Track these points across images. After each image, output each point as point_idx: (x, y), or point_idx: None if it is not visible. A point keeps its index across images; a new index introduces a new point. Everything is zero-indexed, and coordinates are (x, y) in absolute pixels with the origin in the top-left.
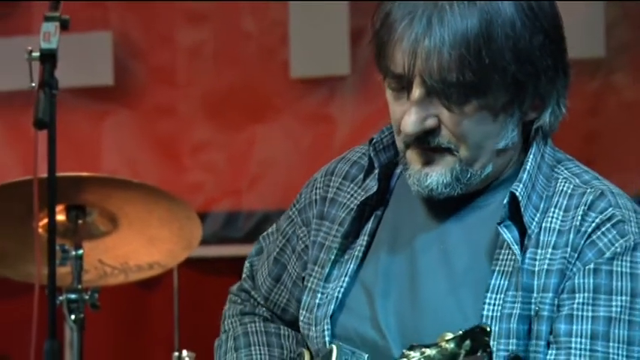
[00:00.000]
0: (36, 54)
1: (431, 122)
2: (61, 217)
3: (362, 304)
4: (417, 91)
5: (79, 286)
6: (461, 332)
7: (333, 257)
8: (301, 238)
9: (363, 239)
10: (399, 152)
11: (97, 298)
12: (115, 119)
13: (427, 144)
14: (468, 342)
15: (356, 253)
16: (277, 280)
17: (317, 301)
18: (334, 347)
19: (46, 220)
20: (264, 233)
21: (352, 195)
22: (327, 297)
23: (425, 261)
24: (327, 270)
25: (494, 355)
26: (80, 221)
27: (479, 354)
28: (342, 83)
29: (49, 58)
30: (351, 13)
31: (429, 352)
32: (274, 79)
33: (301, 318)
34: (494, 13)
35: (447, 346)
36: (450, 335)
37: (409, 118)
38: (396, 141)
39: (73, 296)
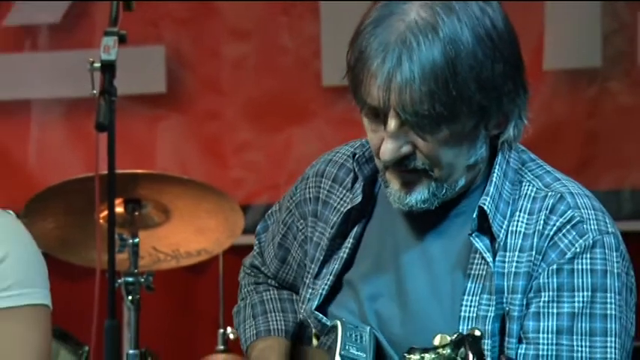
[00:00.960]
0: (97, 65)
1: (406, 149)
2: (119, 209)
3: (351, 303)
4: (392, 123)
5: (136, 271)
6: (454, 336)
7: (322, 258)
8: (300, 230)
9: (349, 242)
10: (379, 171)
11: (151, 281)
12: (168, 123)
13: (404, 167)
14: (462, 349)
15: (341, 254)
16: (283, 261)
17: (307, 295)
18: (339, 323)
19: (106, 212)
20: (269, 211)
21: (342, 199)
22: (314, 292)
23: (409, 270)
24: (317, 268)
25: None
26: (136, 213)
27: None
28: None
29: (108, 69)
30: None
31: (427, 356)
32: (308, 87)
33: (300, 310)
34: (457, 47)
35: (444, 352)
36: (446, 340)
37: (386, 147)
38: (375, 161)
39: (130, 279)
